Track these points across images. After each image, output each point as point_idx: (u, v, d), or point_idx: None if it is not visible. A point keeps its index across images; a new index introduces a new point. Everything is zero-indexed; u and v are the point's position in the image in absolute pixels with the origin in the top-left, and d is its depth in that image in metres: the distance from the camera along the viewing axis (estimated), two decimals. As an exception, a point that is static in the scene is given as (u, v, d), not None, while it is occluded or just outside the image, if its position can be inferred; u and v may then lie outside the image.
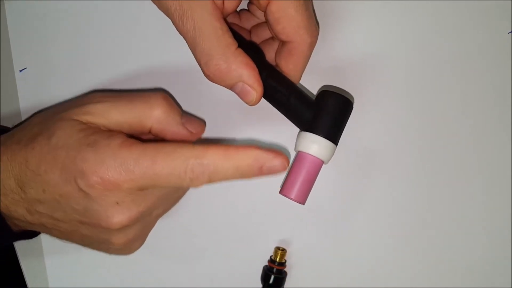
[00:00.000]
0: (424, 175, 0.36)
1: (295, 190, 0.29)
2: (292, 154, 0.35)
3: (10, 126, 0.36)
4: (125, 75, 0.36)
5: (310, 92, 0.35)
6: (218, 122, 0.36)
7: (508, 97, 0.35)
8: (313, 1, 0.34)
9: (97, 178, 0.25)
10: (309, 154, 0.29)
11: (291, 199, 0.29)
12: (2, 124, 0.37)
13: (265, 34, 0.33)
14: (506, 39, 0.35)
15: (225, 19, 0.29)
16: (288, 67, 0.31)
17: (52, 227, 0.29)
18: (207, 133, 0.36)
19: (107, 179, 0.25)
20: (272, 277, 0.35)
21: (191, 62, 0.29)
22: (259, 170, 0.26)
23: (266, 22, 0.30)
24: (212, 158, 0.25)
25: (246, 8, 0.34)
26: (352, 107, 0.30)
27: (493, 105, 0.35)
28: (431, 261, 0.36)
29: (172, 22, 0.28)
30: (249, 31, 0.34)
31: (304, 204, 0.30)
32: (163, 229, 0.35)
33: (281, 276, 0.35)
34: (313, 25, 0.30)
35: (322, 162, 0.30)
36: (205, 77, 0.29)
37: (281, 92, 0.30)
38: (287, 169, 0.28)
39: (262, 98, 0.30)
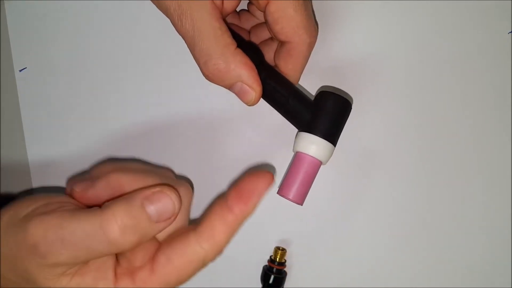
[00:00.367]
0: (424, 175, 0.36)
1: (293, 190, 0.29)
2: (291, 155, 0.35)
3: (8, 124, 0.36)
4: (125, 75, 0.36)
5: (309, 93, 0.35)
6: (217, 123, 0.36)
7: (508, 97, 0.35)
8: (313, 1, 0.34)
9: None
10: (307, 154, 0.29)
11: (289, 199, 0.29)
12: (2, 124, 0.37)
13: (265, 34, 0.33)
14: (506, 39, 0.35)
15: (224, 20, 0.29)
16: (287, 68, 0.31)
17: None
18: (206, 134, 0.36)
19: None
20: (272, 277, 0.35)
21: (191, 62, 0.29)
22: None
23: (265, 22, 0.30)
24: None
25: (246, 8, 0.34)
26: (351, 108, 0.30)
27: (493, 105, 0.35)
28: (431, 261, 0.36)
29: (171, 22, 0.28)
30: (249, 32, 0.34)
31: (302, 205, 0.30)
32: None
33: (281, 276, 0.35)
34: (312, 25, 0.30)
35: (321, 163, 0.30)
36: (204, 77, 0.29)
37: (279, 92, 0.30)
38: (286, 169, 0.28)
39: (261, 99, 0.30)
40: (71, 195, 0.28)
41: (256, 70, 0.29)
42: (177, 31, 0.28)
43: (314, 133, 0.29)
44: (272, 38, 0.32)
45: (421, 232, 0.36)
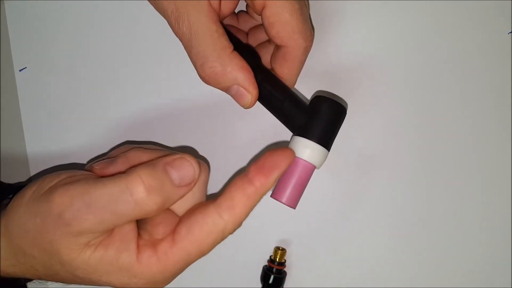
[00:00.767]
0: (423, 175, 0.36)
1: (287, 194, 0.29)
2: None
3: (8, 124, 0.36)
4: (125, 75, 0.36)
5: (305, 97, 0.35)
6: (214, 124, 0.36)
7: (508, 97, 0.35)
8: (310, 5, 0.34)
9: None
10: (301, 159, 0.29)
11: (282, 203, 0.30)
12: (1, 123, 0.37)
13: (263, 36, 0.33)
14: (506, 39, 0.35)
15: (221, 22, 0.29)
16: (283, 71, 0.31)
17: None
18: (205, 134, 0.36)
19: None
20: (272, 276, 0.35)
21: (190, 62, 0.29)
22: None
23: (262, 25, 0.30)
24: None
25: (245, 9, 0.34)
26: (346, 113, 0.31)
27: (493, 105, 0.35)
28: (431, 261, 0.36)
29: (168, 23, 0.28)
30: (247, 33, 0.34)
31: (295, 208, 0.30)
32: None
33: (280, 276, 0.35)
34: (308, 29, 0.30)
35: (314, 167, 0.30)
36: (201, 79, 0.29)
37: (275, 96, 0.30)
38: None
39: (257, 102, 0.30)
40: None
41: (252, 73, 0.29)
42: (174, 33, 0.29)
43: (309, 137, 0.29)
44: (270, 40, 0.32)
45: (421, 231, 0.36)
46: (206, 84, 0.29)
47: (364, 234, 0.36)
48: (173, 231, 0.27)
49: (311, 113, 0.30)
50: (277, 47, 0.30)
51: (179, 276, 0.36)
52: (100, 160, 0.29)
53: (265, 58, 0.32)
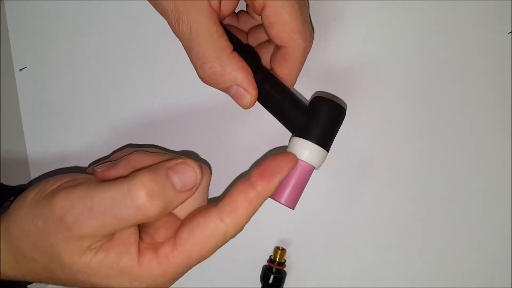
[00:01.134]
0: (423, 176, 0.36)
1: (285, 195, 0.29)
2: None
3: (8, 124, 0.36)
4: (125, 75, 0.36)
5: (304, 97, 0.35)
6: (216, 127, 0.36)
7: (508, 97, 0.35)
8: (309, 5, 0.34)
9: None
10: (300, 159, 0.29)
11: (281, 203, 0.30)
12: (1, 123, 0.37)
13: (263, 36, 0.33)
14: (506, 39, 0.35)
15: (221, 22, 0.29)
16: (282, 72, 0.31)
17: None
18: (207, 137, 0.36)
19: None
20: (272, 276, 0.35)
21: (190, 64, 0.29)
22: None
23: (262, 25, 0.30)
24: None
25: (245, 9, 0.34)
26: (345, 114, 0.31)
27: (493, 105, 0.35)
28: (431, 261, 0.36)
29: (168, 23, 0.28)
30: (247, 33, 0.34)
31: (293, 209, 0.30)
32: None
33: (280, 275, 0.35)
34: (308, 30, 0.29)
35: (313, 168, 0.30)
36: (200, 80, 0.29)
37: (275, 96, 0.30)
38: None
39: (257, 102, 0.30)
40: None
41: (251, 74, 0.29)
42: (174, 33, 0.29)
43: (308, 138, 0.29)
44: (270, 40, 0.32)
45: (421, 231, 0.36)
46: (206, 85, 0.29)
47: (364, 234, 0.36)
48: (175, 235, 0.27)
49: (310, 114, 0.30)
50: (277, 47, 0.30)
51: (179, 276, 0.36)
52: (102, 163, 0.29)
53: (265, 58, 0.32)
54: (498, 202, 0.36)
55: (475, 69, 0.35)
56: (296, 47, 0.29)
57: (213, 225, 0.26)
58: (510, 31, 0.35)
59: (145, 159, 0.28)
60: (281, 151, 0.29)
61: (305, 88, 0.35)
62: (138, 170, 0.28)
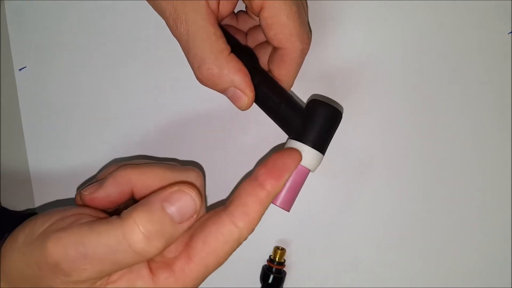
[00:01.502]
0: (422, 177, 0.36)
1: (281, 197, 0.29)
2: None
3: (8, 124, 0.36)
4: (125, 75, 0.36)
5: (301, 99, 0.35)
6: (210, 125, 0.36)
7: (508, 97, 0.35)
8: (307, 6, 0.34)
9: None
10: None
11: (276, 205, 0.30)
12: (1, 123, 0.37)
13: (261, 37, 0.33)
14: (506, 39, 0.35)
15: (219, 23, 0.29)
16: (280, 73, 0.31)
17: None
18: (202, 135, 0.36)
19: None
20: (271, 276, 0.35)
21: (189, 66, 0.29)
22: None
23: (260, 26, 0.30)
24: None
25: (244, 10, 0.34)
26: (341, 118, 0.31)
27: (493, 105, 0.35)
28: (431, 261, 0.36)
29: (166, 24, 0.29)
30: (246, 33, 0.34)
31: (289, 211, 0.30)
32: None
33: (280, 275, 0.35)
34: (306, 32, 0.29)
35: (309, 171, 0.30)
36: (198, 81, 0.29)
37: (272, 98, 0.30)
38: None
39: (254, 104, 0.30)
40: (82, 201, 0.28)
41: (249, 76, 0.29)
42: (172, 34, 0.29)
43: (304, 141, 0.29)
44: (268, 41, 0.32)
45: (420, 231, 0.36)
46: (204, 87, 0.30)
47: (364, 234, 0.36)
48: (187, 246, 0.26)
49: (307, 117, 0.30)
50: (275, 49, 0.30)
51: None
52: (88, 185, 0.28)
53: (264, 58, 0.32)
54: (498, 202, 0.36)
55: (475, 69, 0.35)
56: (294, 49, 0.29)
57: (226, 231, 0.25)
58: (510, 31, 0.35)
59: (132, 173, 0.28)
60: (280, 149, 0.29)
61: (303, 90, 0.35)
62: (125, 189, 0.27)
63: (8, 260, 0.25)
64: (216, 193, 0.36)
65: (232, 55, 0.28)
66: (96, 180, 0.29)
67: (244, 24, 0.34)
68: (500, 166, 0.35)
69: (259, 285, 0.36)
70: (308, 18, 0.34)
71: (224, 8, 0.29)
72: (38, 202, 0.37)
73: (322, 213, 0.36)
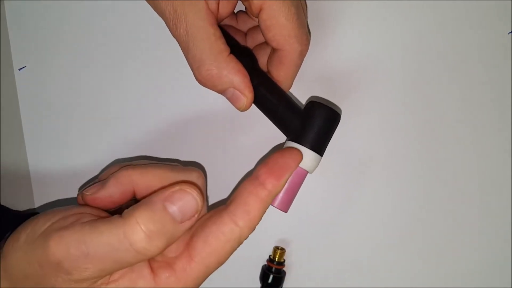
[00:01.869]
0: (421, 178, 0.36)
1: (278, 198, 0.29)
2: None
3: (8, 124, 0.36)
4: (125, 76, 0.36)
5: (300, 101, 0.35)
6: (211, 126, 0.36)
7: (508, 97, 0.35)
8: (307, 6, 0.34)
9: None
10: None
11: (274, 207, 0.30)
12: (1, 123, 0.37)
13: (261, 38, 0.33)
14: (506, 39, 0.35)
15: (219, 24, 0.29)
16: (279, 74, 0.31)
17: None
18: (202, 135, 0.36)
19: None
20: (271, 276, 0.35)
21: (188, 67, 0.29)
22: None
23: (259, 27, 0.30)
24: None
25: (244, 10, 0.34)
26: (339, 119, 0.31)
27: (493, 105, 0.35)
28: (431, 261, 0.36)
29: (166, 25, 0.29)
30: (245, 34, 0.34)
31: (286, 212, 0.30)
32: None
33: (280, 275, 0.35)
34: (304, 34, 0.29)
35: (307, 172, 0.30)
36: (197, 81, 0.29)
37: (270, 100, 0.30)
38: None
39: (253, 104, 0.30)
40: (84, 202, 0.28)
41: (248, 77, 0.29)
42: (172, 34, 0.29)
43: (302, 143, 0.29)
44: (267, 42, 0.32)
45: (420, 231, 0.36)
46: (203, 88, 0.30)
47: (364, 234, 0.36)
48: (188, 246, 0.26)
49: (305, 118, 0.30)
50: (274, 50, 0.30)
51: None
52: (91, 185, 0.29)
53: (263, 59, 0.32)
54: (498, 202, 0.36)
55: (475, 70, 0.35)
56: (292, 50, 0.29)
57: (227, 230, 0.26)
58: (510, 31, 0.35)
59: (133, 174, 0.28)
60: (279, 149, 0.29)
61: (302, 91, 0.35)
62: (127, 189, 0.27)
63: (10, 259, 0.25)
64: (216, 193, 0.36)
65: (232, 56, 0.28)
66: (98, 180, 0.29)
67: (244, 25, 0.34)
68: (500, 166, 0.35)
69: (259, 285, 0.36)
70: (307, 19, 0.34)
71: (224, 9, 0.29)
72: (38, 202, 0.37)
73: (322, 213, 0.36)
